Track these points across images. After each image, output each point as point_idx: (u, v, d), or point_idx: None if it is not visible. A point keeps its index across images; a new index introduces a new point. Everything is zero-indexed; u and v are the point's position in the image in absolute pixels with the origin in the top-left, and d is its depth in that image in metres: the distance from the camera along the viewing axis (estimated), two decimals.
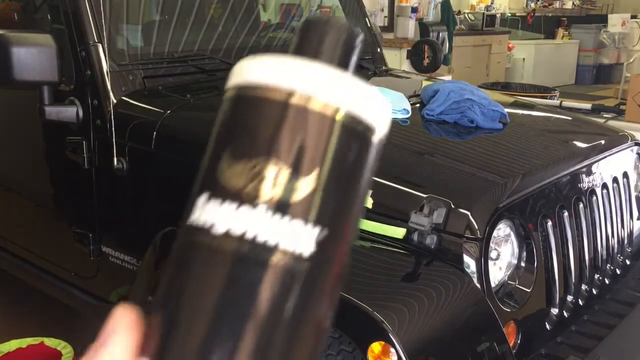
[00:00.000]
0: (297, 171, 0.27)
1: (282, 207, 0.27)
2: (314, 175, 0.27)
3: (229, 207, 0.27)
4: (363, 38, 0.30)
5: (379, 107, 0.29)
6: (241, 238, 0.27)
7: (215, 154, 0.29)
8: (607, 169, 1.97)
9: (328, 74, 0.28)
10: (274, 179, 0.27)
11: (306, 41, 0.30)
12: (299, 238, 0.27)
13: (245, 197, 0.27)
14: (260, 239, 0.27)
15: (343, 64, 0.29)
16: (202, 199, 0.28)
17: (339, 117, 0.28)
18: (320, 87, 0.28)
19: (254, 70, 0.29)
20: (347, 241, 0.29)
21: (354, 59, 0.30)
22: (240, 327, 0.26)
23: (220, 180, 0.28)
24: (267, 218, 0.27)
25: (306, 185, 0.27)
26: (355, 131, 0.28)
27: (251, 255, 0.27)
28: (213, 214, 0.27)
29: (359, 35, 0.30)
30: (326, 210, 0.28)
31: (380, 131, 0.30)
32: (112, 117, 1.90)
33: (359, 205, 0.30)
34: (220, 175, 0.28)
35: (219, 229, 0.27)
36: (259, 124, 0.28)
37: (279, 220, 0.27)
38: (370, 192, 0.30)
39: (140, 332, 0.30)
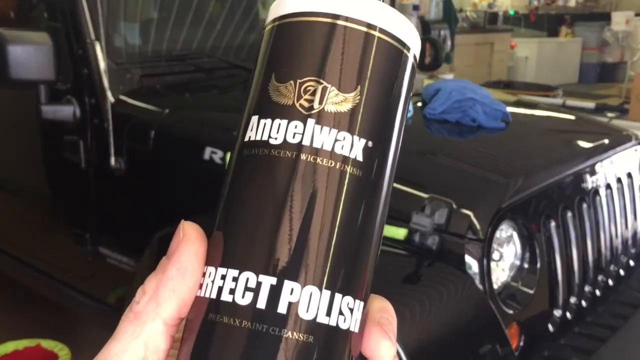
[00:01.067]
0: (341, 87, 0.30)
1: (329, 120, 0.30)
2: (357, 90, 0.30)
3: (282, 122, 0.30)
4: None
5: (409, 28, 0.33)
6: (298, 145, 0.30)
7: (264, 77, 0.32)
8: (610, 168, 1.95)
9: (365, 0, 0.31)
10: (320, 94, 0.30)
11: None
12: (348, 147, 0.30)
13: (296, 113, 0.30)
14: (316, 145, 0.30)
15: None
16: (255, 118, 0.31)
17: (377, 33, 0.31)
18: (359, 10, 0.31)
19: (296, 2, 0.32)
20: (392, 155, 0.32)
21: None
22: (304, 227, 0.29)
23: (271, 100, 0.31)
24: (317, 129, 0.30)
25: (350, 99, 0.30)
26: (391, 46, 0.32)
27: (308, 159, 0.30)
28: (268, 129, 0.31)
29: None
30: (370, 123, 0.31)
31: (413, 49, 0.33)
32: (110, 116, 1.88)
33: (400, 121, 0.33)
34: (271, 96, 0.31)
35: (277, 141, 0.30)
36: (306, 46, 0.31)
37: (328, 131, 0.30)
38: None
39: (206, 244, 0.32)
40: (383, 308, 0.33)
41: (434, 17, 7.36)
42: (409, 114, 2.00)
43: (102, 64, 1.93)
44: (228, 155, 0.33)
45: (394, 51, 0.32)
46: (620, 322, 1.76)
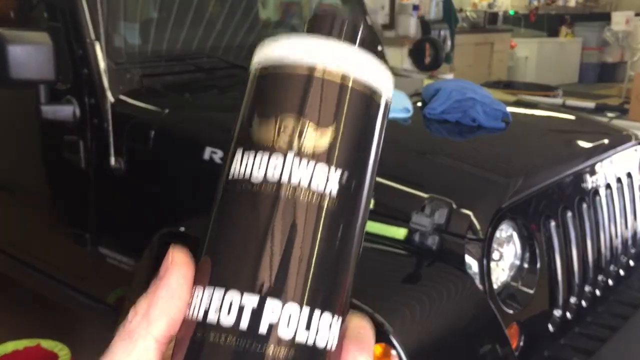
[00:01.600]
0: (318, 127, 0.33)
1: (308, 154, 0.33)
2: (333, 130, 0.33)
3: (264, 157, 0.33)
4: (364, 21, 0.35)
5: (382, 75, 0.36)
6: (277, 182, 0.32)
7: (248, 116, 0.35)
8: (610, 168, 1.95)
9: (339, 49, 0.34)
10: (299, 133, 0.33)
11: (318, 23, 0.36)
12: (325, 179, 0.33)
13: (277, 148, 0.33)
14: (294, 181, 0.32)
15: (350, 40, 0.36)
16: (238, 154, 0.34)
17: (350, 83, 0.34)
18: (334, 60, 0.34)
19: (277, 52, 0.35)
20: (367, 186, 0.35)
21: (359, 36, 0.36)
22: (282, 258, 0.32)
23: (254, 136, 0.34)
24: (296, 163, 0.32)
25: (327, 138, 0.33)
26: (363, 94, 0.35)
27: (287, 195, 0.32)
28: (250, 165, 0.33)
29: (360, 18, 0.37)
30: (345, 160, 0.34)
31: (385, 94, 0.36)
32: (110, 116, 1.88)
33: (374, 156, 0.36)
34: (253, 132, 0.34)
35: (257, 178, 0.33)
36: (287, 92, 0.34)
37: (306, 165, 0.33)
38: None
39: (193, 267, 0.34)
40: (361, 325, 0.36)
41: (434, 17, 7.36)
42: (409, 114, 2.00)
43: (102, 64, 1.93)
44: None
45: (366, 99, 0.35)
46: (620, 322, 1.75)
